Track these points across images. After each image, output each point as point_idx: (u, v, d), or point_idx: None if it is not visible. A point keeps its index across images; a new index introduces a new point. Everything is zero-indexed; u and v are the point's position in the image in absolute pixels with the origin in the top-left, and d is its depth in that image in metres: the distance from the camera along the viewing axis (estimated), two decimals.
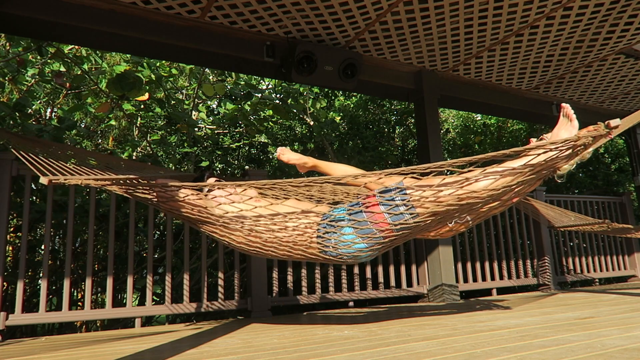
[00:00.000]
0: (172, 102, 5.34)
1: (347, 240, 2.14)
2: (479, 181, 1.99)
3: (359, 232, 2.12)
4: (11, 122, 3.86)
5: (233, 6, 3.24)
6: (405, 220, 2.09)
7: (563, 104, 2.05)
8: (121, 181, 1.97)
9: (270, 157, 6.65)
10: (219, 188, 2.11)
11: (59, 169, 2.02)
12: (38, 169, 1.94)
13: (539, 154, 1.91)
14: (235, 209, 2.14)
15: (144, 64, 4.90)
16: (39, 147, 2.95)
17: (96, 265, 3.97)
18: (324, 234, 2.16)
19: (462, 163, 1.82)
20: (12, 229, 3.87)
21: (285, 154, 2.63)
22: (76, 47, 4.83)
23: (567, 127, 2.05)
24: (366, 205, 2.13)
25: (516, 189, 2.07)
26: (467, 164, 1.84)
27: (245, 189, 2.25)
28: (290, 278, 3.77)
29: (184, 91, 6.01)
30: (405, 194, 2.06)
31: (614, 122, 1.86)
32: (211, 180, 2.42)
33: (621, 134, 6.24)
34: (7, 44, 4.55)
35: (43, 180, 1.73)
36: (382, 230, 2.12)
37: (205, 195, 2.26)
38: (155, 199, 2.09)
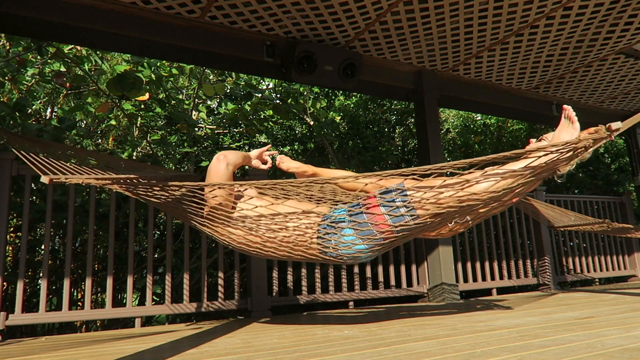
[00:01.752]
0: (172, 102, 5.34)
1: (348, 241, 2.14)
2: (479, 183, 1.99)
3: (360, 233, 2.12)
4: (11, 122, 3.86)
5: (233, 6, 3.24)
6: (406, 222, 2.09)
7: (565, 106, 2.05)
8: (121, 180, 1.97)
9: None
10: (219, 188, 2.11)
11: (59, 169, 2.03)
12: (39, 168, 1.94)
13: (539, 156, 1.91)
14: (237, 207, 2.15)
15: (144, 63, 4.90)
16: (39, 147, 2.95)
17: (96, 265, 3.97)
18: (324, 234, 2.16)
19: (463, 165, 1.82)
20: (12, 229, 3.87)
21: (285, 162, 2.63)
22: (77, 47, 4.83)
23: (568, 129, 2.06)
24: (367, 206, 2.13)
25: (516, 190, 2.07)
26: (468, 165, 1.84)
27: (246, 188, 2.25)
28: (290, 278, 3.77)
29: (184, 91, 6.01)
30: (406, 195, 2.06)
31: (615, 125, 1.88)
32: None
33: (621, 134, 6.24)
34: (8, 43, 4.55)
35: (44, 179, 1.73)
36: (382, 232, 2.12)
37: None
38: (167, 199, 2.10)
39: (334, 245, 2.15)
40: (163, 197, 2.09)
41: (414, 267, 4.34)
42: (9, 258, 3.82)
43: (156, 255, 3.90)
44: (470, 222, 2.31)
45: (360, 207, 2.14)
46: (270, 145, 2.37)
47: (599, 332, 1.87)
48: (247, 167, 2.68)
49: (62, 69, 4.89)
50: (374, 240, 2.14)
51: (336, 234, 2.14)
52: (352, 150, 6.62)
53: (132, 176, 2.36)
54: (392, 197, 2.09)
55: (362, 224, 2.11)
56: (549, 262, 4.92)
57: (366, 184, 2.31)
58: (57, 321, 3.24)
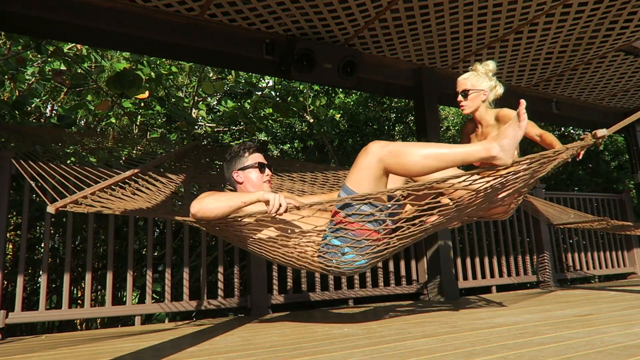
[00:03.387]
0: (172, 100, 5.34)
1: (348, 260, 2.16)
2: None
3: (358, 250, 2.13)
4: (11, 121, 3.86)
5: (232, 4, 3.24)
6: (387, 225, 2.10)
7: (521, 100, 2.11)
8: (120, 182, 1.99)
9: (270, 155, 6.64)
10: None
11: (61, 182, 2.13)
12: (49, 193, 2.05)
13: (526, 165, 1.99)
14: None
15: (144, 61, 4.89)
16: (39, 144, 2.96)
17: (96, 263, 3.97)
18: (324, 254, 2.17)
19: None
20: (11, 227, 3.87)
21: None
22: (77, 45, 4.82)
23: (514, 126, 2.11)
24: (342, 223, 2.11)
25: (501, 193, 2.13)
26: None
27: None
28: (290, 276, 3.77)
29: (183, 89, 6.00)
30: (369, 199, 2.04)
31: (600, 133, 1.97)
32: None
33: (621, 132, 6.24)
34: (8, 42, 4.55)
35: (50, 209, 1.87)
36: (375, 240, 2.12)
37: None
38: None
39: (336, 265, 2.17)
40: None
41: (413, 265, 4.35)
42: (9, 256, 3.82)
43: (156, 253, 3.90)
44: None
45: (336, 226, 2.13)
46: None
47: (598, 330, 1.88)
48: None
49: (62, 67, 4.88)
50: (372, 252, 2.15)
51: (337, 254, 2.15)
52: (352, 148, 6.62)
53: (128, 173, 2.38)
54: (355, 205, 2.07)
55: (355, 241, 2.11)
56: (548, 259, 4.93)
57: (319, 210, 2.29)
58: (57, 319, 3.25)
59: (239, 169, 2.43)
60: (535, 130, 2.76)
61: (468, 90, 2.78)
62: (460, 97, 2.81)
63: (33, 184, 2.51)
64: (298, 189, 3.18)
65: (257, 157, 2.46)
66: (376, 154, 2.02)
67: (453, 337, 1.89)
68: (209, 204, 2.10)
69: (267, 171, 2.45)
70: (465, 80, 2.81)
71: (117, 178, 2.41)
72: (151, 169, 2.69)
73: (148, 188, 2.51)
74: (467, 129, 3.01)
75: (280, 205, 1.99)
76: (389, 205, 2.07)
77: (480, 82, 2.79)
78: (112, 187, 2.29)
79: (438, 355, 1.56)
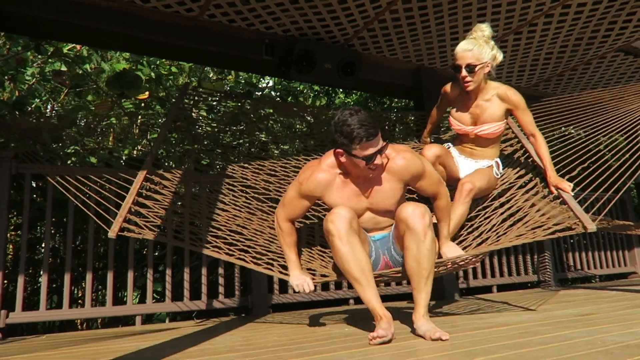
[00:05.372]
0: (173, 100, 5.34)
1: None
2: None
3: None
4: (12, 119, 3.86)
5: (231, 4, 3.24)
6: None
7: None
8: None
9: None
10: None
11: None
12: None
13: None
14: None
15: (144, 62, 4.90)
16: (39, 143, 2.97)
17: (96, 263, 3.97)
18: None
19: None
20: (12, 227, 3.87)
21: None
22: (77, 46, 4.82)
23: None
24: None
25: None
26: None
27: None
28: None
29: None
30: None
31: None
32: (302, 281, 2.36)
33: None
34: (8, 43, 4.55)
35: (111, 234, 2.18)
36: None
37: None
38: None
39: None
40: None
41: None
42: (9, 256, 3.82)
43: (156, 253, 3.90)
44: None
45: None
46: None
47: (599, 329, 1.88)
48: None
49: (63, 68, 4.89)
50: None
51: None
52: None
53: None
54: None
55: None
56: (549, 259, 4.92)
57: None
58: (58, 319, 3.25)
59: (345, 151, 2.14)
60: (529, 125, 2.66)
61: (475, 65, 2.53)
62: (464, 72, 2.54)
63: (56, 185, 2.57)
64: None
65: (367, 151, 2.09)
66: None
67: (454, 336, 1.89)
68: (278, 233, 2.41)
69: (377, 160, 2.12)
70: (468, 53, 2.53)
71: (135, 186, 2.46)
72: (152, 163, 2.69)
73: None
74: (451, 95, 2.78)
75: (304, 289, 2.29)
76: None
77: (483, 53, 2.54)
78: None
79: (438, 355, 1.56)
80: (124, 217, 2.25)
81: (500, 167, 2.83)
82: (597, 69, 4.75)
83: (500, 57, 2.62)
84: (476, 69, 2.55)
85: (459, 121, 2.78)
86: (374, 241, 2.37)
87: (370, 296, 2.04)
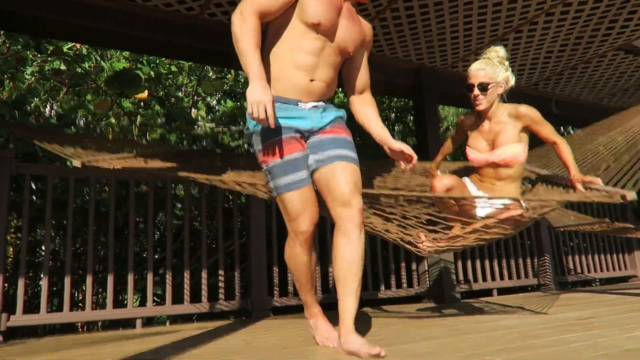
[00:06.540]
0: (172, 99, 5.33)
1: None
2: None
3: None
4: (10, 121, 3.85)
5: (232, 3, 3.23)
6: None
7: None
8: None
9: None
10: None
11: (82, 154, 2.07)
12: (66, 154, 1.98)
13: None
14: None
15: (143, 61, 4.89)
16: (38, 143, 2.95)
17: (97, 266, 3.97)
18: None
19: None
20: (12, 230, 3.86)
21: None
22: (77, 45, 4.82)
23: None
24: None
25: None
26: None
27: None
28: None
29: (183, 88, 6.00)
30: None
31: (630, 197, 2.13)
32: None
33: None
34: (8, 42, 4.54)
35: (76, 163, 1.78)
36: None
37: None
38: None
39: None
40: None
41: (414, 268, 4.32)
42: (9, 259, 3.81)
43: (156, 256, 3.89)
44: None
45: None
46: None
47: (599, 333, 1.88)
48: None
49: (62, 66, 4.88)
50: None
51: None
52: None
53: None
54: None
55: None
56: (549, 262, 4.88)
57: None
58: (58, 322, 3.24)
59: None
60: (550, 135, 2.56)
61: (487, 84, 2.51)
62: (477, 91, 2.51)
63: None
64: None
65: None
66: None
67: (454, 340, 1.89)
68: (239, 29, 1.74)
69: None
70: (481, 72, 2.52)
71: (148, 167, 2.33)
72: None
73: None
74: (466, 123, 2.72)
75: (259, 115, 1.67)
76: None
77: (496, 72, 2.52)
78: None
79: (439, 359, 1.56)
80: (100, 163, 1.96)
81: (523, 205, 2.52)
82: (597, 68, 4.74)
83: (512, 80, 2.58)
84: (489, 87, 2.50)
85: (474, 148, 2.66)
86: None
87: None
